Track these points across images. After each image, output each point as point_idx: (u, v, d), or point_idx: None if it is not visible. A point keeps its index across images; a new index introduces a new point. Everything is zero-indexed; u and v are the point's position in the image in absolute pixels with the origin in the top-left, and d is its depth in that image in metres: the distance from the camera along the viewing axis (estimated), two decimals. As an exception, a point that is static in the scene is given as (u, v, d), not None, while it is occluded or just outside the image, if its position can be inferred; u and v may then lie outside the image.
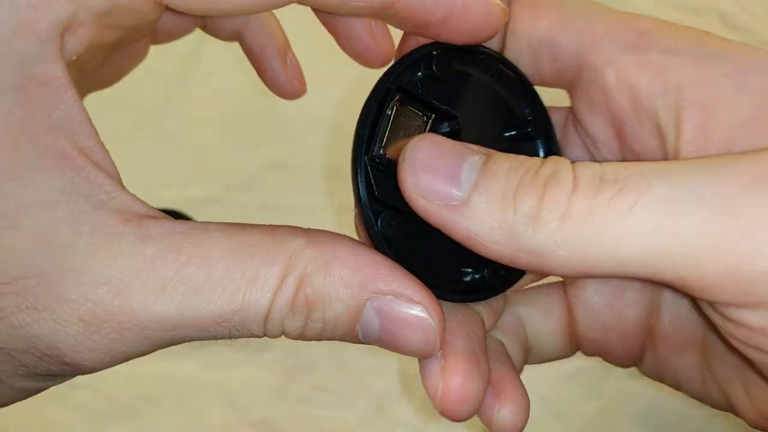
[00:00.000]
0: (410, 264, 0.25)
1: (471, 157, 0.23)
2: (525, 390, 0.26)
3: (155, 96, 0.73)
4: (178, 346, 0.55)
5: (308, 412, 0.51)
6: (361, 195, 0.25)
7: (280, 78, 0.37)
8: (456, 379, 0.24)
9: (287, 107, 0.74)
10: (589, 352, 0.30)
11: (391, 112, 0.26)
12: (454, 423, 0.52)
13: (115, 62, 0.32)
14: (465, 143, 0.24)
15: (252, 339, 0.45)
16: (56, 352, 0.23)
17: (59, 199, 0.20)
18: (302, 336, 0.23)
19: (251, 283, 0.22)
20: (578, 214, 0.20)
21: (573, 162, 0.22)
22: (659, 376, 0.29)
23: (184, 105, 0.72)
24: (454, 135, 0.26)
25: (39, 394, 0.54)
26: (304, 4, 0.25)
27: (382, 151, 0.25)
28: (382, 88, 0.26)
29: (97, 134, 0.23)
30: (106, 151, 0.23)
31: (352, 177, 0.26)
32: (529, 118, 0.29)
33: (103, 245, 0.21)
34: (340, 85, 0.75)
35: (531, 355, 0.30)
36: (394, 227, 0.26)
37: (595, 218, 0.20)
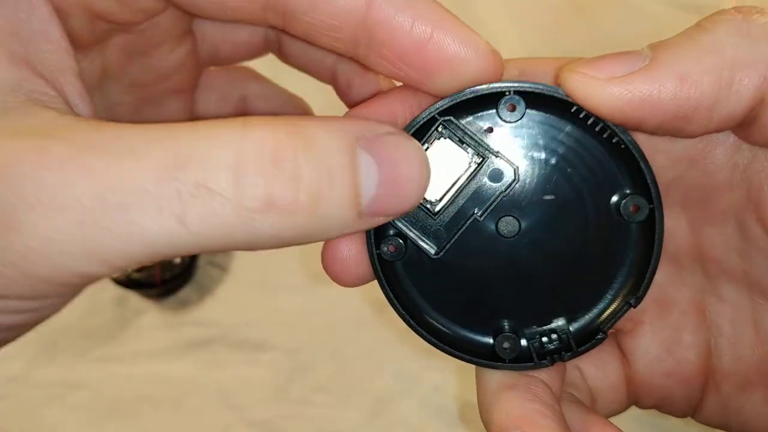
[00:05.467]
0: (432, 301, 0.25)
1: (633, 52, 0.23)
2: (617, 429, 0.25)
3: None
4: (177, 346, 0.55)
5: (308, 413, 0.51)
6: None
7: None
8: None
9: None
10: (648, 404, 0.29)
11: (429, 143, 0.24)
12: (456, 423, 0.52)
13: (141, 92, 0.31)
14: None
15: (250, 339, 0.44)
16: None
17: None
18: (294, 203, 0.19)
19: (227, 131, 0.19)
20: None
21: None
22: (722, 420, 0.28)
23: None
24: (505, 188, 0.24)
25: (38, 394, 0.54)
26: (277, 28, 0.25)
27: None
28: (426, 116, 0.24)
29: (66, 57, 0.22)
30: (77, 83, 0.22)
31: None
32: (629, 195, 0.24)
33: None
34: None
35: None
36: (405, 259, 0.25)
37: None
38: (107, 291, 0.55)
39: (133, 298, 0.55)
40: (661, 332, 0.27)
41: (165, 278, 0.53)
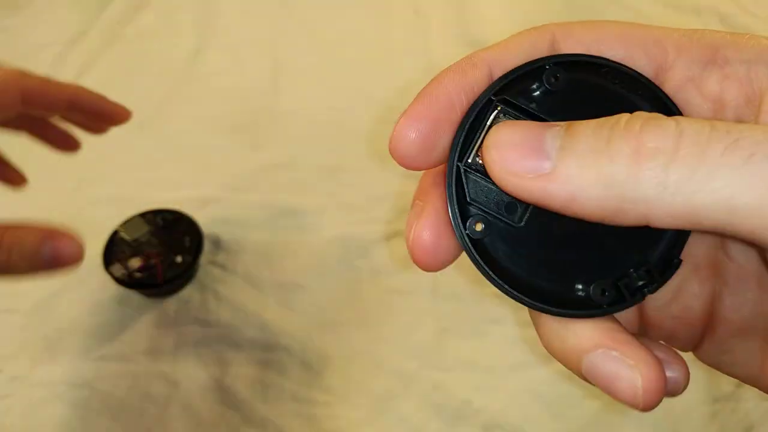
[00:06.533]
0: (513, 274, 0.27)
1: (552, 128, 0.23)
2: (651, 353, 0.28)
3: (156, 97, 0.73)
4: (178, 346, 0.55)
5: (308, 412, 0.51)
6: (450, 199, 0.27)
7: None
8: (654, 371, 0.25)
9: (287, 108, 0.74)
10: (656, 338, 0.32)
11: (490, 122, 0.26)
12: (455, 422, 0.52)
13: None
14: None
15: (251, 338, 0.45)
16: None
17: None
18: None
19: None
20: (689, 158, 0.19)
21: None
22: (716, 360, 0.31)
23: (185, 106, 0.72)
24: None
25: (40, 394, 0.54)
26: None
27: (477, 159, 0.26)
28: (483, 99, 0.26)
29: None
30: None
31: (446, 182, 0.27)
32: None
33: None
34: (338, 86, 0.75)
35: None
36: (490, 233, 0.27)
37: (708, 163, 0.19)
38: (108, 291, 0.56)
39: (135, 298, 0.56)
40: (671, 281, 0.29)
41: (167, 278, 0.53)
